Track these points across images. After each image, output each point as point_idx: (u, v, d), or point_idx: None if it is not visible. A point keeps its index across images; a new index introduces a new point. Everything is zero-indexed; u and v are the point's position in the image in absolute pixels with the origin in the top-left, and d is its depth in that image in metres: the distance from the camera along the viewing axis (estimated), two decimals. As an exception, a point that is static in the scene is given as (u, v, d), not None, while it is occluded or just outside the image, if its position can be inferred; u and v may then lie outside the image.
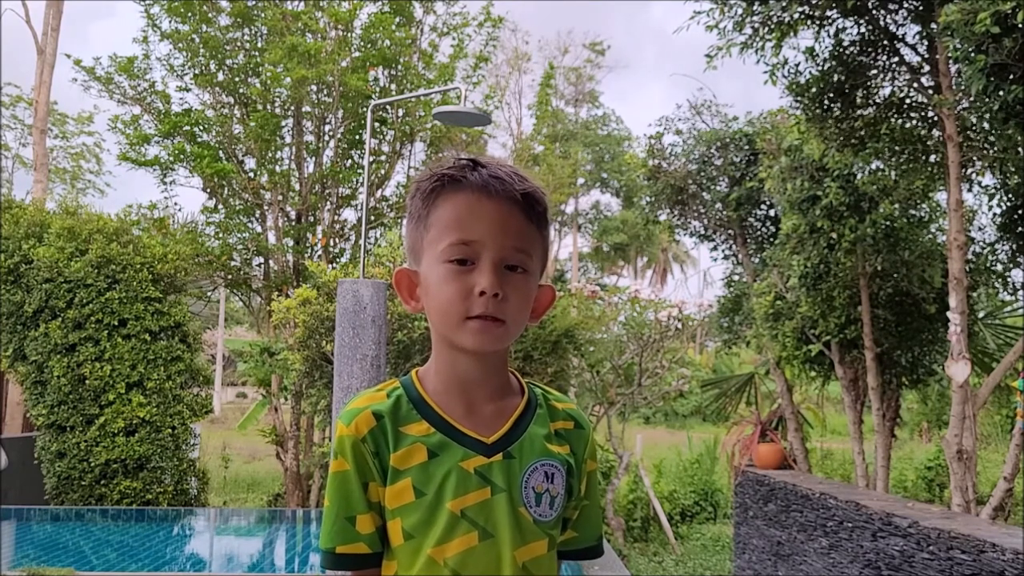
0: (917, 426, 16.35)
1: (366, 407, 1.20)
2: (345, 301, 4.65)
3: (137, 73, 10.90)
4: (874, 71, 6.58)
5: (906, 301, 7.68)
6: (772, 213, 9.46)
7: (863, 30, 6.40)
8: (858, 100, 6.64)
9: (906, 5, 6.27)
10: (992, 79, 4.89)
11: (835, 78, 6.44)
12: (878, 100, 6.68)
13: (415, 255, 1.23)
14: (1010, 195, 6.94)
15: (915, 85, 6.47)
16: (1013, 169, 6.52)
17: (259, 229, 11.19)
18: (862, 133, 6.58)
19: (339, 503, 1.18)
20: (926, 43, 6.30)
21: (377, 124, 10.93)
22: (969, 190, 7.20)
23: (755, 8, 6.06)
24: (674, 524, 11.83)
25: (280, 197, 10.93)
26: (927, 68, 6.40)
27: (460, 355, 1.21)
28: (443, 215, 1.19)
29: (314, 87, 10.71)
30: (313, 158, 11.26)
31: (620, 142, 31.93)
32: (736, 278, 10.23)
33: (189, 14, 10.69)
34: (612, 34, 63.49)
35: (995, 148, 6.28)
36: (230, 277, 11.22)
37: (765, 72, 6.43)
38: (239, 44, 11.08)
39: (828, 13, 6.21)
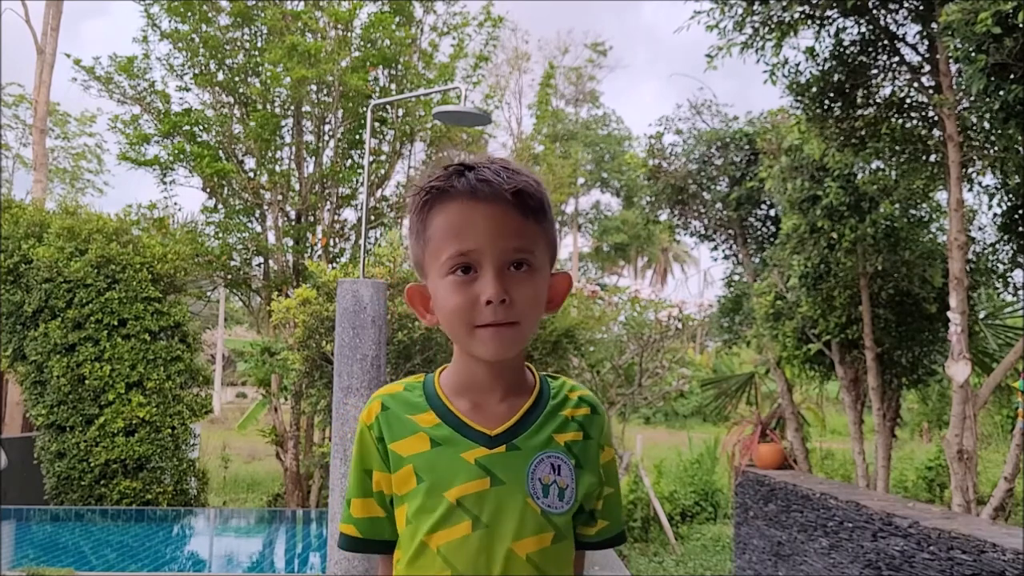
0: (917, 426, 16.35)
1: (379, 396, 1.25)
2: (345, 301, 4.64)
3: (137, 73, 10.90)
4: (874, 71, 6.57)
5: (906, 301, 7.67)
6: (772, 213, 9.45)
7: (863, 30, 6.39)
8: (858, 100, 6.62)
9: (906, 5, 6.27)
10: (993, 79, 4.88)
11: (835, 78, 6.43)
12: (878, 100, 6.67)
13: (421, 270, 1.24)
14: (1010, 195, 6.94)
15: (915, 85, 6.46)
16: (1013, 169, 6.51)
17: (259, 229, 11.19)
18: (862, 133, 6.57)
19: (349, 486, 1.27)
20: (926, 43, 6.29)
21: (377, 124, 10.92)
22: (970, 190, 7.19)
23: (755, 8, 6.05)
24: (674, 524, 11.82)
25: (280, 197, 10.92)
26: (927, 68, 6.39)
27: (476, 362, 1.21)
28: (438, 227, 1.18)
29: (314, 87, 10.71)
30: (313, 158, 11.26)
31: (620, 142, 31.93)
32: (736, 278, 10.23)
33: (189, 14, 10.69)
34: (604, 33, 63.46)
35: (995, 148, 6.28)
36: (230, 277, 11.21)
37: (765, 72, 6.43)
38: (239, 44, 11.07)
39: (828, 13, 6.20)
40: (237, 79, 11.01)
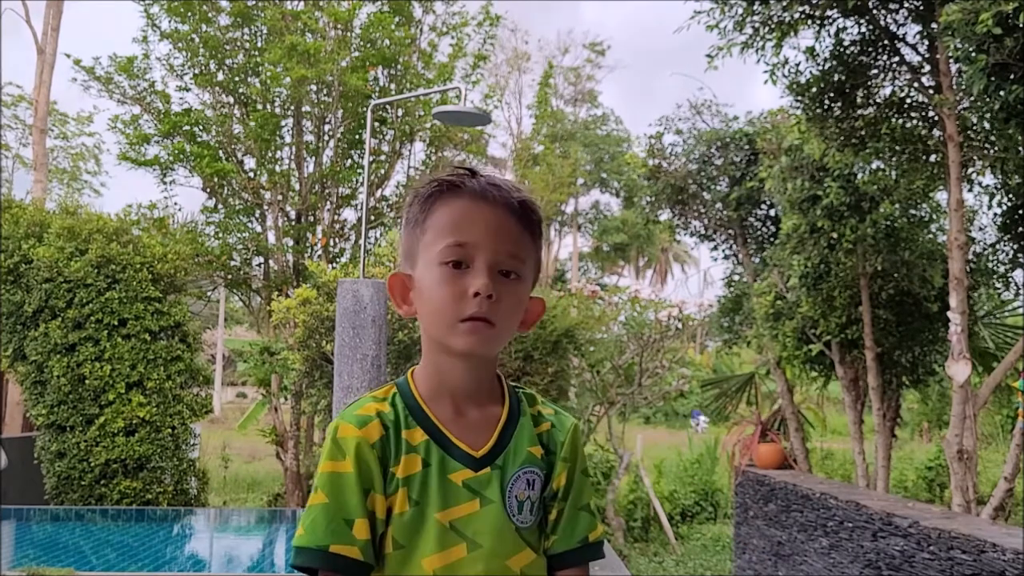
0: (917, 426, 16.36)
1: (374, 417, 1.18)
2: (345, 301, 4.64)
3: (137, 73, 10.90)
4: (874, 71, 6.57)
5: (907, 301, 7.67)
6: (772, 213, 9.45)
7: (863, 30, 6.39)
8: (858, 100, 6.63)
9: (907, 5, 6.27)
10: (993, 79, 4.89)
11: (835, 78, 6.43)
12: (878, 100, 6.67)
13: (410, 259, 1.24)
14: (1011, 195, 6.94)
15: (916, 85, 6.47)
16: (1013, 169, 6.51)
17: (259, 229, 11.19)
18: (862, 133, 6.57)
19: (336, 503, 1.13)
20: (927, 43, 6.29)
21: (377, 124, 10.92)
22: (970, 190, 7.19)
23: (755, 8, 6.05)
24: (674, 524, 11.83)
25: (280, 197, 10.92)
26: (928, 68, 6.39)
27: (449, 359, 1.21)
28: (440, 219, 1.20)
29: (314, 87, 10.71)
30: (313, 158, 11.26)
31: (620, 142, 31.91)
32: (736, 278, 10.23)
33: (189, 14, 10.69)
34: (603, 33, 63.46)
35: (996, 148, 6.28)
36: (230, 277, 11.22)
37: (765, 72, 6.43)
38: (239, 44, 11.07)
39: (828, 13, 6.20)
40: (237, 79, 11.02)
